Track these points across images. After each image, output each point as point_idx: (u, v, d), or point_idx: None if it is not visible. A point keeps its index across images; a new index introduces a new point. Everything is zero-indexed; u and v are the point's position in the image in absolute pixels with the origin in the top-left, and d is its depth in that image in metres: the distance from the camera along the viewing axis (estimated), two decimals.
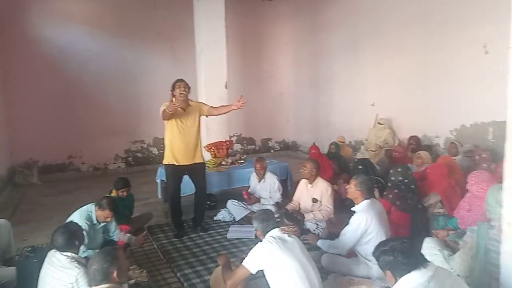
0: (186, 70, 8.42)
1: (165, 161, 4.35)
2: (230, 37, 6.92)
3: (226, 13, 6.70)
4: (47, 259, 2.47)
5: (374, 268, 3.06)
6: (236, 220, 4.83)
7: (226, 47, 6.77)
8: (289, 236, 2.53)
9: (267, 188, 5.00)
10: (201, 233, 4.47)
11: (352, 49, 8.08)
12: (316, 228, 4.13)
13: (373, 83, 7.62)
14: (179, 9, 8.48)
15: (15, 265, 3.10)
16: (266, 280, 3.13)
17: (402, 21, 6.84)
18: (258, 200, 4.97)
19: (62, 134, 7.90)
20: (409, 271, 1.75)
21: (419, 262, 1.78)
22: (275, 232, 2.54)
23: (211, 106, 4.46)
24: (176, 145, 4.23)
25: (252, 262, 2.46)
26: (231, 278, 2.55)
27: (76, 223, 2.81)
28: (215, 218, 5.01)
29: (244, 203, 4.95)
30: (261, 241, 2.58)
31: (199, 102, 4.51)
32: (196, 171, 4.42)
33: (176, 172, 4.32)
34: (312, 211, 4.24)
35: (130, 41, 8.41)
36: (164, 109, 4.01)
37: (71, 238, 2.47)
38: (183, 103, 4.18)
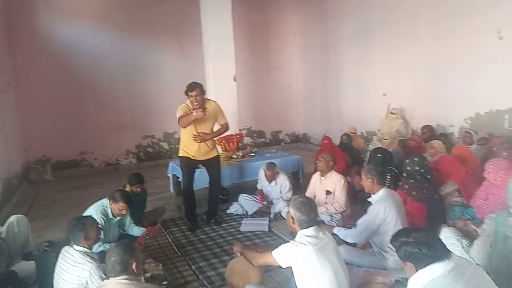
0: (194, 63, 8.45)
1: (180, 154, 4.39)
2: (237, 30, 6.87)
3: (232, 5, 6.65)
4: (61, 255, 2.49)
5: (390, 260, 3.04)
6: (249, 214, 4.83)
7: (233, 39, 6.73)
8: (323, 234, 2.36)
9: (278, 189, 4.93)
10: (214, 226, 4.49)
11: (362, 38, 7.96)
12: (331, 220, 4.10)
13: (384, 72, 7.50)
14: (186, 2, 8.43)
15: (34, 259, 3.15)
16: (281, 273, 3.16)
17: (413, 8, 6.69)
18: (270, 203, 4.88)
19: (74, 131, 7.97)
20: (432, 263, 1.73)
21: (443, 254, 1.75)
22: (311, 231, 2.33)
23: (223, 123, 4.37)
24: (191, 146, 4.26)
25: (284, 258, 2.33)
26: (260, 258, 2.49)
27: (93, 218, 2.82)
28: (227, 211, 5.02)
29: (256, 197, 4.94)
30: (293, 233, 2.46)
31: (217, 107, 4.32)
32: (211, 163, 4.44)
33: (190, 164, 4.34)
34: (326, 204, 4.20)
35: (138, 36, 8.40)
36: (182, 116, 3.98)
37: (78, 231, 2.48)
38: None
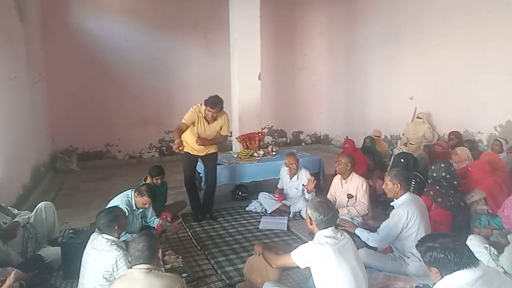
0: (219, 60, 8.53)
1: None
2: (263, 28, 6.86)
3: (260, 3, 6.65)
4: (89, 242, 2.56)
5: (411, 265, 2.98)
6: (268, 212, 4.83)
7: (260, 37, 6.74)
8: (341, 235, 2.34)
9: (299, 185, 4.88)
10: (233, 223, 4.53)
11: (390, 39, 7.81)
12: (352, 221, 4.05)
13: (412, 75, 7.34)
14: None
15: (60, 245, 3.26)
16: (299, 272, 3.14)
17: (445, 9, 6.51)
18: (288, 209, 4.82)
19: (100, 123, 8.18)
20: (459, 270, 1.69)
21: (470, 261, 1.71)
22: (329, 232, 2.31)
23: (224, 135, 4.62)
24: (190, 143, 4.47)
25: (302, 259, 2.32)
26: (279, 260, 2.52)
27: (121, 209, 2.90)
28: (247, 208, 5.04)
29: (275, 195, 4.93)
30: (312, 234, 2.45)
31: (226, 121, 4.53)
32: (208, 159, 4.68)
33: (190, 158, 4.60)
34: (347, 207, 4.15)
35: (166, 32, 8.53)
36: (182, 125, 4.25)
37: (113, 221, 2.55)
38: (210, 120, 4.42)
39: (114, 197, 3.62)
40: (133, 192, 3.58)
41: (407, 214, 2.88)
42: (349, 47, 9.19)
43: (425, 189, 3.71)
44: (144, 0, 8.33)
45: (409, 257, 2.98)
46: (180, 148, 3.95)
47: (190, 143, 4.45)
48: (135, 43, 8.27)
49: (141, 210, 3.66)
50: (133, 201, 3.57)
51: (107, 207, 3.21)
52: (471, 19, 6.06)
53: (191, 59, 8.81)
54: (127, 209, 3.41)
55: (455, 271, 1.70)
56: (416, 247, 1.95)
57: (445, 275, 1.72)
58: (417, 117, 6.75)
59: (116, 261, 2.40)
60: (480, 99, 6.00)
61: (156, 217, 3.88)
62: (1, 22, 4.77)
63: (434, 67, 6.82)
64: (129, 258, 2.14)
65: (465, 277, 1.67)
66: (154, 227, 3.78)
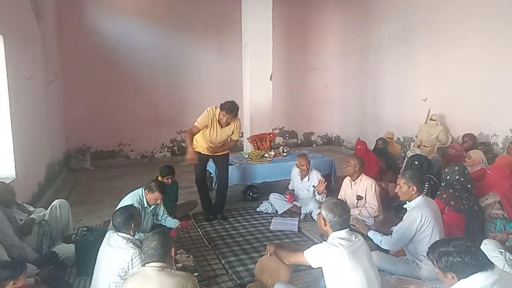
0: (231, 61, 8.55)
1: None
2: (275, 28, 6.87)
3: (273, 4, 6.65)
4: (105, 239, 2.60)
5: (424, 269, 2.94)
6: (279, 213, 4.83)
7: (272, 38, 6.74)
8: (355, 237, 2.32)
9: (310, 186, 4.87)
10: (244, 223, 4.53)
11: (404, 40, 7.73)
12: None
13: (426, 77, 7.24)
14: (227, 0, 8.55)
15: (74, 243, 3.31)
16: (310, 273, 3.14)
17: (460, 9, 6.42)
18: (299, 210, 4.80)
19: (113, 123, 8.29)
20: (475, 273, 1.66)
21: (486, 263, 1.68)
22: (344, 233, 2.29)
23: (235, 139, 4.60)
24: (201, 143, 4.46)
25: (315, 258, 2.32)
26: (292, 257, 2.52)
27: (137, 208, 2.93)
28: (257, 209, 5.05)
29: (286, 196, 4.92)
30: (324, 235, 2.43)
31: (238, 126, 4.53)
32: (219, 160, 4.67)
33: (201, 158, 4.51)
34: (357, 208, 4.12)
35: (179, 33, 8.60)
36: (195, 128, 4.31)
37: (129, 220, 2.59)
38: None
39: (125, 195, 3.66)
40: (143, 190, 3.62)
41: (420, 217, 2.84)
42: (362, 48, 9.13)
43: (438, 192, 3.65)
44: (157, 0, 8.42)
45: (422, 261, 2.95)
46: (193, 162, 4.04)
47: (200, 143, 4.46)
48: (148, 44, 8.36)
49: (152, 207, 3.70)
50: (144, 199, 3.61)
51: (121, 205, 3.27)
52: (487, 20, 5.97)
53: (203, 60, 8.87)
54: (138, 207, 3.45)
55: (472, 274, 1.66)
56: (427, 254, 1.92)
57: (462, 279, 1.69)
58: (431, 119, 6.66)
59: (132, 259, 2.43)
60: (495, 101, 5.89)
61: (167, 215, 3.91)
62: (20, 24, 4.87)
63: (448, 68, 6.73)
64: (142, 256, 2.17)
65: (481, 281, 1.64)
66: (165, 226, 3.81)
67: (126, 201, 3.51)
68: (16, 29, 4.63)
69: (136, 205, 3.40)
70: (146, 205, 3.62)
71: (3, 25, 4.07)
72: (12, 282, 2.19)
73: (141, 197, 3.61)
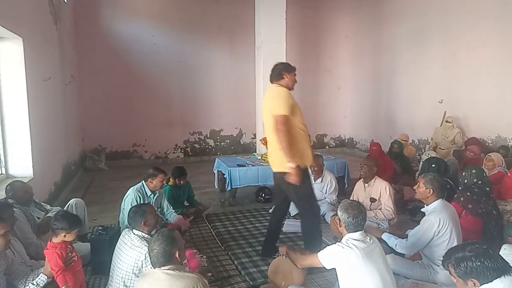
0: (244, 64, 8.58)
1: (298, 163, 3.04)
2: (288, 30, 6.85)
3: (286, 6, 6.64)
4: (121, 237, 2.63)
5: (440, 273, 2.89)
6: (292, 215, 4.80)
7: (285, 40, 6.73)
8: (370, 239, 2.30)
9: (323, 188, 4.83)
10: (257, 225, 4.53)
11: (418, 41, 7.63)
12: (378, 226, 3.97)
13: (441, 78, 7.14)
14: (240, 2, 8.59)
15: (89, 241, 3.35)
16: (324, 276, 3.11)
17: (476, 9, 6.31)
18: None
19: (127, 124, 8.40)
20: (497, 277, 1.60)
21: (507, 268, 1.63)
22: (358, 235, 2.27)
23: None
24: (305, 150, 3.17)
25: (329, 259, 2.30)
26: (304, 260, 2.51)
27: (152, 206, 2.96)
28: (270, 211, 5.01)
29: None
30: (338, 238, 2.42)
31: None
32: (279, 181, 3.22)
33: (275, 176, 3.27)
34: (372, 210, 4.08)
35: (192, 35, 8.68)
36: (288, 117, 3.02)
37: (140, 217, 2.60)
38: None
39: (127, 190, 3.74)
40: (143, 182, 3.70)
41: (438, 222, 2.79)
42: (375, 49, 9.05)
43: (455, 195, 3.59)
44: (171, 4, 8.51)
45: (438, 265, 2.89)
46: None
47: (303, 147, 3.08)
48: (162, 46, 8.45)
49: (157, 195, 3.76)
50: (147, 188, 3.69)
51: (123, 199, 3.48)
52: (504, 19, 5.85)
53: (216, 62, 8.92)
54: (139, 196, 3.55)
55: (494, 278, 1.61)
56: (442, 263, 1.86)
57: (484, 284, 1.63)
58: (446, 121, 6.55)
59: (146, 257, 2.44)
60: None
61: (173, 211, 3.97)
62: (39, 27, 4.98)
63: (464, 69, 6.62)
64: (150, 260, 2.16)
65: (503, 286, 1.59)
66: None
67: (129, 193, 3.63)
68: (34, 31, 4.73)
69: (137, 194, 3.53)
70: (149, 193, 3.70)
71: (22, 28, 4.16)
72: (64, 234, 2.33)
73: (142, 187, 3.69)
